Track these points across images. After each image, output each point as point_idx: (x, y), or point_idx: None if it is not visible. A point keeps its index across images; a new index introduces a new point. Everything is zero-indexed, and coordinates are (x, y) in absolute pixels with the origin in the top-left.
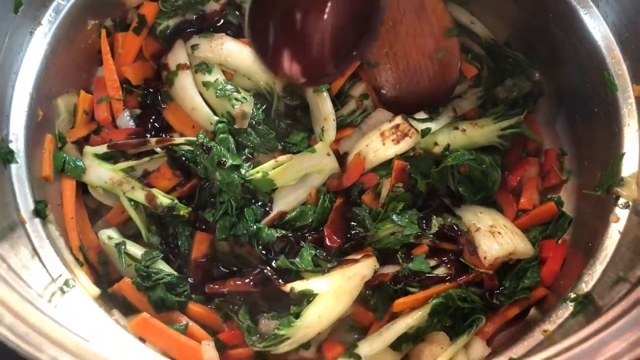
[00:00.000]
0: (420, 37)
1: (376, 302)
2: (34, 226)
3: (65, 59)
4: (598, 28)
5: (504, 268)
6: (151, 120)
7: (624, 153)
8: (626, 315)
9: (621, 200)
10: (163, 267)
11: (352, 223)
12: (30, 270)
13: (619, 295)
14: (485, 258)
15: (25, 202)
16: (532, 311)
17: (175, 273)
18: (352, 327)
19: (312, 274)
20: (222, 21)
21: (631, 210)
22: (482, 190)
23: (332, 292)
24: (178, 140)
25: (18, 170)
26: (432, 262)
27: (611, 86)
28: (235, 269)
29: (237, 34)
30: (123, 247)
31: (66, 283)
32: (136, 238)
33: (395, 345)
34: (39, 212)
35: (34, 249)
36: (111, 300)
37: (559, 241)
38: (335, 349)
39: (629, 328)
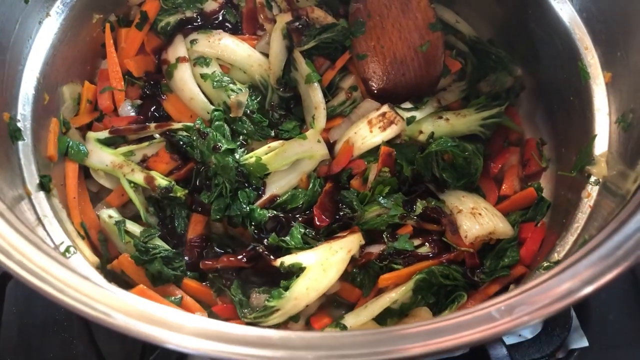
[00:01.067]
0: (405, 30)
1: (362, 279)
2: (38, 198)
3: (71, 50)
4: (572, 20)
5: (485, 249)
6: (151, 110)
7: (596, 135)
8: (582, 259)
9: (592, 178)
10: (160, 243)
11: (341, 205)
12: (33, 239)
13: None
14: (466, 237)
15: (30, 176)
16: (512, 288)
17: (172, 249)
18: (339, 303)
19: (301, 251)
20: (220, 19)
21: (601, 186)
22: (465, 177)
23: (319, 265)
24: (176, 125)
25: (24, 147)
26: (416, 242)
27: (584, 75)
28: (229, 250)
29: (234, 31)
30: (123, 225)
31: (67, 250)
32: (135, 219)
33: (380, 320)
34: (44, 186)
35: (38, 218)
36: (109, 276)
37: (538, 224)
38: (323, 321)
39: (582, 269)
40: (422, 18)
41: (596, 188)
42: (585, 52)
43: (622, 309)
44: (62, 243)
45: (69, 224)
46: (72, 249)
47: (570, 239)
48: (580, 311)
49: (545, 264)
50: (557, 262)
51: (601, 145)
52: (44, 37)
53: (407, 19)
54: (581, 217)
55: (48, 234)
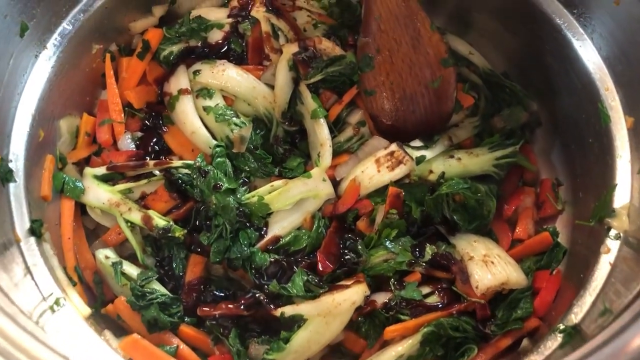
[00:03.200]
0: (416, 66)
1: (367, 329)
2: (28, 244)
3: (69, 82)
4: (592, 60)
5: (497, 298)
6: (152, 143)
7: (616, 184)
8: (607, 345)
9: (612, 232)
10: (157, 287)
11: (345, 249)
12: (21, 289)
13: (602, 326)
14: (477, 287)
15: (21, 220)
16: (525, 342)
17: (169, 294)
18: (343, 354)
19: (303, 299)
20: (225, 48)
21: (622, 241)
22: (477, 219)
23: (321, 317)
24: (176, 163)
25: (16, 189)
26: (425, 290)
27: (605, 117)
28: (228, 292)
29: (239, 61)
30: (119, 266)
31: (57, 302)
32: (132, 259)
33: None
34: (34, 231)
35: (27, 267)
36: (104, 321)
37: (553, 272)
38: None
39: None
40: (433, 53)
41: (616, 243)
42: (606, 94)
43: None
44: (51, 294)
45: (59, 271)
46: (62, 301)
47: (589, 299)
48: None
49: (562, 327)
50: (575, 328)
51: (622, 196)
52: (40, 71)
53: (418, 54)
54: (600, 276)
55: (36, 285)
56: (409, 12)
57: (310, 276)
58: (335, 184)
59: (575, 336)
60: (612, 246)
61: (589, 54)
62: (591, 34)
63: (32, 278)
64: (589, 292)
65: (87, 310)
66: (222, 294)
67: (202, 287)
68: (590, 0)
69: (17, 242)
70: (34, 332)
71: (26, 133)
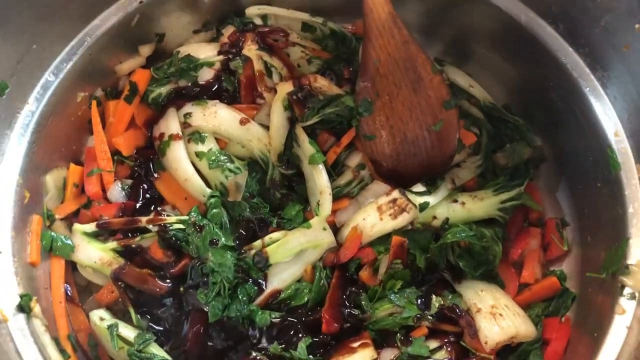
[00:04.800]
0: (417, 109)
1: None
2: (17, 323)
3: (54, 134)
4: (600, 103)
5: (506, 349)
6: (142, 191)
7: (629, 238)
8: None
9: (627, 290)
10: (156, 350)
11: (349, 304)
12: None
13: None
14: (486, 343)
15: (8, 297)
16: None
17: (169, 357)
18: None
19: None
20: (216, 87)
21: (638, 301)
22: (483, 265)
23: None
24: (169, 219)
25: (2, 262)
26: (432, 345)
27: (614, 164)
28: (231, 343)
29: (232, 100)
30: (115, 329)
31: None
32: (126, 318)
33: None
34: (23, 307)
35: (17, 350)
36: None
37: (562, 319)
38: None
39: None
40: (435, 96)
41: (632, 304)
42: (616, 140)
43: None
44: None
45: (51, 349)
46: None
47: None
48: None
49: None
50: None
51: (636, 251)
52: (22, 128)
53: (419, 98)
54: (616, 341)
55: None
56: (409, 55)
57: (314, 339)
58: (336, 230)
59: None
60: (627, 307)
61: (597, 97)
62: (599, 77)
63: None
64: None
65: None
66: (224, 347)
67: (203, 341)
68: (597, 42)
69: (5, 321)
70: None
71: (12, 198)
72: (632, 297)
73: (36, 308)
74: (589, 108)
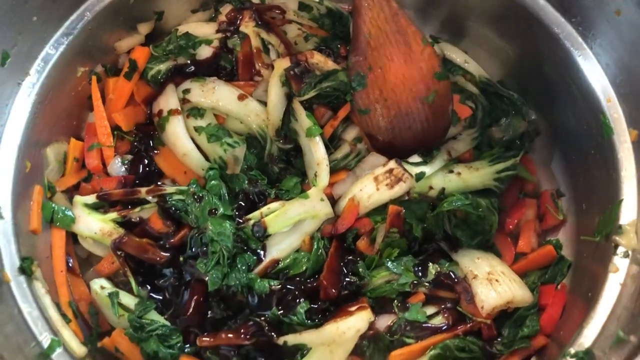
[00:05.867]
0: (409, 81)
1: (372, 353)
2: (18, 284)
3: (54, 107)
4: (592, 70)
5: (502, 315)
6: (142, 166)
7: (622, 200)
8: None
9: (620, 249)
10: (156, 317)
11: (347, 272)
12: (14, 332)
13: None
14: (482, 307)
15: (10, 259)
16: None
17: (168, 324)
18: None
19: (306, 328)
20: (214, 65)
21: (631, 259)
22: (479, 234)
23: (325, 346)
24: (169, 189)
25: (4, 226)
26: (429, 311)
27: (607, 129)
28: (230, 312)
29: (230, 77)
30: (116, 297)
31: (50, 346)
32: (127, 286)
33: None
34: (24, 270)
35: (19, 310)
36: (100, 354)
37: (558, 286)
38: None
39: None
40: (426, 68)
41: (625, 261)
42: (608, 105)
43: None
44: (44, 337)
45: (52, 310)
46: (55, 344)
47: (599, 322)
48: None
49: (573, 351)
50: (587, 353)
51: (629, 212)
52: (24, 99)
53: (411, 70)
54: (610, 297)
55: (29, 328)
56: (399, 27)
57: (312, 305)
58: (333, 202)
59: None
60: (620, 265)
61: (590, 64)
62: (591, 45)
63: (25, 320)
64: (598, 315)
65: (83, 351)
66: (224, 314)
67: (202, 310)
68: (589, 9)
69: (7, 282)
70: None
71: (12, 167)
72: (625, 255)
73: (37, 272)
74: (581, 77)
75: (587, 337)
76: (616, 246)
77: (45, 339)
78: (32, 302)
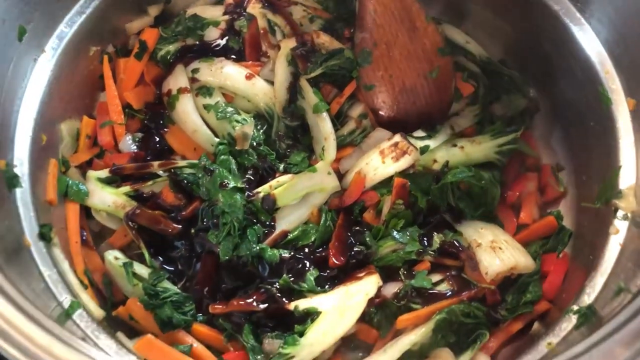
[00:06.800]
0: (414, 57)
1: (379, 319)
2: (38, 249)
3: (68, 85)
4: (590, 44)
5: (506, 283)
6: (153, 144)
7: (621, 166)
8: (628, 324)
9: (620, 212)
10: (169, 286)
11: (354, 242)
12: (36, 293)
13: (621, 305)
14: (486, 273)
15: (30, 225)
16: (536, 325)
17: (182, 292)
18: (356, 345)
19: (316, 294)
20: (222, 46)
21: (630, 221)
22: (482, 206)
23: (336, 310)
24: (180, 163)
25: (23, 194)
26: (435, 278)
27: (606, 100)
28: (240, 283)
29: (237, 58)
30: (130, 267)
31: (71, 306)
32: (139, 259)
33: None
34: (44, 236)
35: (40, 272)
36: (115, 323)
37: (560, 255)
38: None
39: (631, 338)
40: (430, 44)
41: (625, 224)
42: (606, 77)
43: None
44: (65, 299)
45: (71, 275)
46: (75, 305)
47: (600, 280)
48: None
49: (575, 308)
50: (589, 308)
51: (628, 177)
52: (39, 74)
53: (415, 46)
54: (610, 257)
55: (50, 290)
56: (403, 5)
57: (321, 273)
58: (340, 177)
59: (590, 317)
60: (620, 227)
61: (588, 38)
62: (589, 19)
63: (45, 283)
64: (600, 273)
65: (101, 313)
66: (234, 286)
67: (214, 281)
68: None
69: (27, 247)
70: (61, 336)
71: (29, 138)
72: (625, 217)
73: (56, 239)
74: (580, 51)
75: (589, 294)
76: (616, 210)
77: (65, 300)
78: (52, 266)
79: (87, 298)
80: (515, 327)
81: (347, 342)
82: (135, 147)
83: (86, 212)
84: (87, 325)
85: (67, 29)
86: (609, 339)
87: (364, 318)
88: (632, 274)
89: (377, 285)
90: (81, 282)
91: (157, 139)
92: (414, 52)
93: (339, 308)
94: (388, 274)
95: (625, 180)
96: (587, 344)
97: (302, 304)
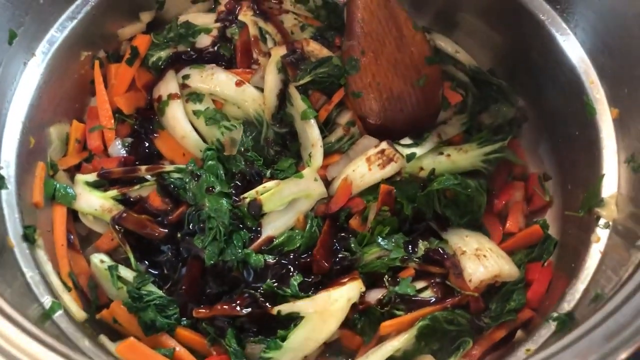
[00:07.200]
0: (401, 65)
1: (363, 325)
2: (21, 250)
3: (58, 89)
4: (576, 54)
5: (490, 291)
6: (142, 149)
7: (604, 174)
8: (598, 327)
9: (602, 221)
10: (153, 289)
11: (339, 247)
12: (17, 294)
13: (595, 309)
14: (470, 281)
15: (14, 227)
16: (519, 333)
17: (166, 295)
18: (340, 351)
19: (299, 299)
20: (213, 53)
21: (611, 229)
22: (468, 214)
23: (318, 315)
24: (167, 167)
25: (8, 196)
26: (419, 285)
27: (590, 110)
28: (226, 288)
29: (228, 66)
30: (115, 270)
31: (52, 307)
32: (125, 263)
33: None
34: (28, 237)
35: (22, 273)
36: (99, 326)
37: (545, 264)
38: None
39: (600, 341)
40: (417, 52)
41: (606, 232)
42: (591, 87)
43: None
44: (46, 300)
45: (54, 276)
46: (56, 306)
47: (581, 287)
48: None
49: (555, 315)
50: (568, 315)
51: (610, 185)
52: (29, 78)
53: (403, 54)
54: (591, 264)
55: (32, 291)
56: (391, 13)
57: (306, 279)
58: (327, 184)
59: (568, 323)
60: (602, 235)
61: (573, 48)
62: (574, 29)
63: (27, 283)
64: (580, 281)
65: (83, 315)
66: (219, 291)
67: (199, 286)
68: None
69: (11, 248)
70: (39, 336)
71: (17, 140)
72: (607, 226)
73: (40, 240)
74: (565, 60)
75: (569, 302)
76: (598, 218)
77: (47, 301)
78: (34, 268)
79: (69, 299)
80: (498, 334)
81: (331, 348)
82: (124, 151)
83: (74, 215)
84: (68, 327)
85: (58, 33)
86: (580, 341)
87: (348, 324)
88: (609, 280)
89: (359, 291)
90: (65, 284)
91: (147, 144)
92: (402, 60)
93: (321, 313)
94: (373, 281)
95: (608, 188)
96: (559, 346)
97: (285, 308)
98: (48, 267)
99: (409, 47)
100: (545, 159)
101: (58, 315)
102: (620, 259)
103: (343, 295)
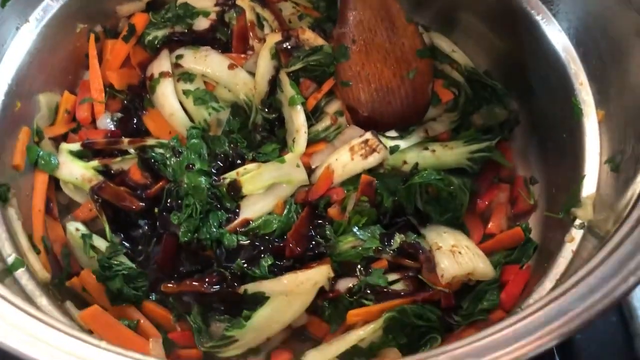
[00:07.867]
0: (391, 57)
1: (331, 313)
2: None
3: (50, 58)
4: (568, 54)
5: (464, 289)
6: (131, 125)
7: (585, 175)
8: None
9: (577, 221)
10: (124, 260)
11: (314, 234)
12: None
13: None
14: (442, 276)
15: None
16: None
17: (135, 267)
18: (306, 338)
19: (267, 279)
20: (210, 36)
21: (586, 230)
22: (449, 211)
23: (283, 296)
24: (150, 141)
25: None
26: (391, 277)
27: (577, 111)
28: (198, 267)
29: (224, 50)
30: (89, 238)
31: (14, 264)
32: (101, 234)
33: (346, 359)
34: (0, 195)
35: None
36: (67, 292)
37: (523, 267)
38: (283, 356)
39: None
40: (408, 44)
41: (580, 232)
42: (580, 88)
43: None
44: (10, 256)
45: (22, 237)
46: (18, 263)
47: (548, 285)
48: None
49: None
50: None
51: (589, 186)
52: (20, 43)
53: (394, 45)
54: (562, 263)
55: None
56: (384, 3)
57: (277, 262)
58: (311, 171)
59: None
60: (576, 235)
61: (565, 47)
62: (569, 32)
63: None
64: (549, 279)
65: (46, 275)
66: (192, 269)
67: (172, 262)
68: None
69: None
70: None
71: (1, 102)
72: (581, 226)
73: (13, 200)
74: (559, 61)
75: (534, 299)
76: (574, 218)
77: (10, 258)
78: (2, 224)
79: (34, 259)
80: (467, 333)
81: (297, 334)
82: (112, 126)
83: (56, 184)
84: (27, 284)
85: (53, 2)
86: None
87: (316, 311)
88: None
89: (327, 276)
90: (34, 246)
91: (135, 120)
92: (392, 52)
93: (287, 294)
94: (346, 270)
95: (587, 189)
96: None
97: (251, 287)
98: (17, 226)
99: (401, 39)
100: (534, 163)
101: (20, 271)
102: (589, 257)
103: (310, 278)
